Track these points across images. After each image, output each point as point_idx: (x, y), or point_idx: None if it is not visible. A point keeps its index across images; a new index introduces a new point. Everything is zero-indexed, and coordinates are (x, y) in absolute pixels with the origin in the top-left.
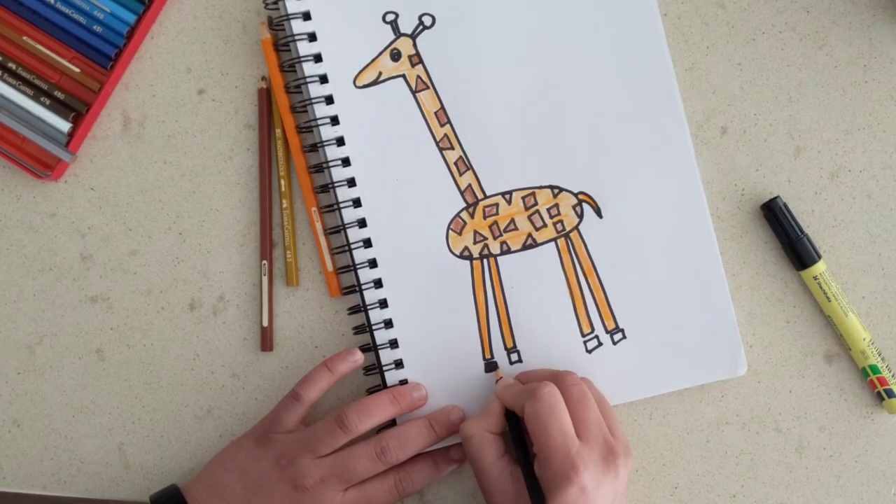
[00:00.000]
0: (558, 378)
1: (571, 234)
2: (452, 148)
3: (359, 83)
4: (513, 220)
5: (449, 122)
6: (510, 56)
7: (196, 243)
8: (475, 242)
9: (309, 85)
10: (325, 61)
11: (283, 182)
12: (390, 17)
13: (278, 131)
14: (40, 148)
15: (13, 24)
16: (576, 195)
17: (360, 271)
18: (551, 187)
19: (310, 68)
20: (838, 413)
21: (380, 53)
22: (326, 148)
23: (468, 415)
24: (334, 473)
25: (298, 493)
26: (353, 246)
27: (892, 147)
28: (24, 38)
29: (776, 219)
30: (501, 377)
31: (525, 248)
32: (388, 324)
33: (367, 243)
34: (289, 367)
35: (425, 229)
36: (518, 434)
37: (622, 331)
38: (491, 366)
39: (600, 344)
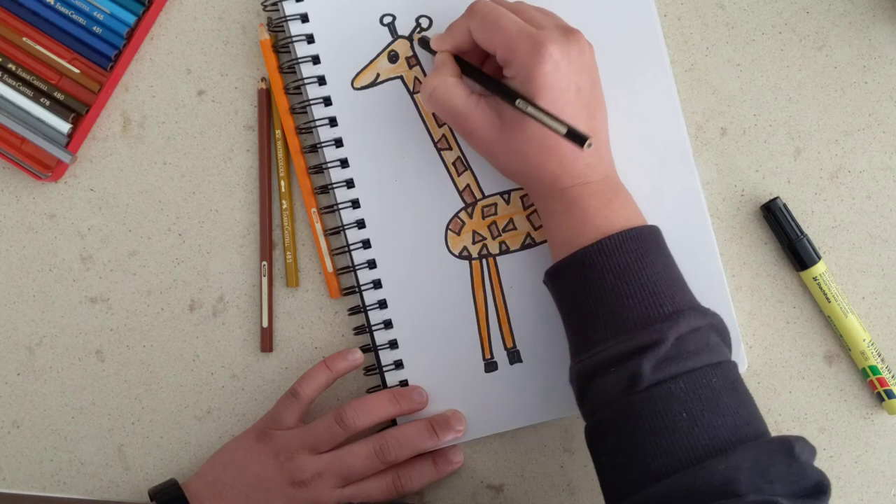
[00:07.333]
0: None
1: None
2: (450, 148)
3: (357, 85)
4: (511, 220)
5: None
6: None
7: (196, 244)
8: (474, 242)
9: (307, 86)
10: (324, 63)
11: (282, 183)
12: (387, 20)
13: (278, 132)
14: (40, 149)
15: (13, 26)
16: None
17: (359, 272)
18: None
19: (308, 70)
20: (838, 414)
21: (377, 55)
22: (325, 149)
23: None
24: (332, 470)
25: (295, 489)
26: (352, 247)
27: (892, 148)
28: (24, 39)
29: (776, 219)
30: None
31: (524, 247)
32: (388, 324)
33: (367, 244)
34: (288, 368)
35: (424, 230)
36: (475, 70)
37: None
38: (491, 366)
39: None
